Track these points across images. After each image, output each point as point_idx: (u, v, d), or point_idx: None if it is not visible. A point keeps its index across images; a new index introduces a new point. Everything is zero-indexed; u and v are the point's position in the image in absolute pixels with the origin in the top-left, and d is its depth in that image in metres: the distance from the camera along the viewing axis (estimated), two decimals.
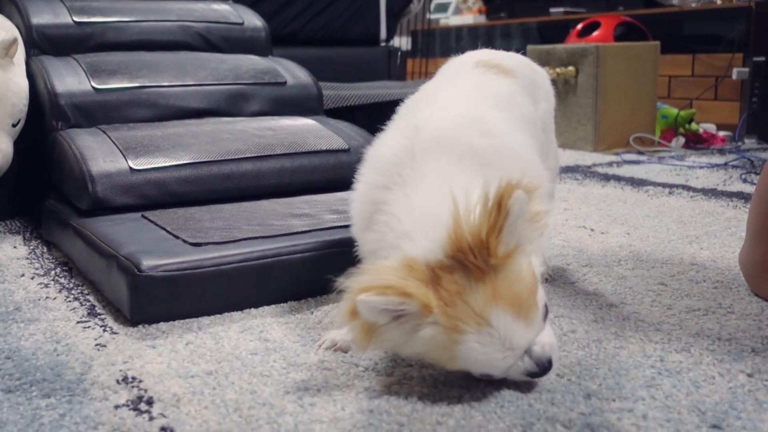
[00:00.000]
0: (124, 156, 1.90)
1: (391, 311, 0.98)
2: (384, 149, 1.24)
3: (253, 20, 2.80)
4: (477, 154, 1.16)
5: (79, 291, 1.61)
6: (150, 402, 1.09)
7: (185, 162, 1.94)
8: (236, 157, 2.01)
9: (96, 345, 1.31)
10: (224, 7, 2.81)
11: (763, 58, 3.84)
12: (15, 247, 1.96)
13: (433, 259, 1.01)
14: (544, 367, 1.05)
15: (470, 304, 0.99)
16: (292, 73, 2.55)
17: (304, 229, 1.65)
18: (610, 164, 3.41)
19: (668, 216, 2.30)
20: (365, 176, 1.25)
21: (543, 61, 3.90)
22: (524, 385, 1.12)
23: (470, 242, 0.99)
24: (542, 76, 1.61)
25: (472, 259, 0.99)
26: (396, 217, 1.12)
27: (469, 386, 1.13)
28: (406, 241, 1.06)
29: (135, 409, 1.07)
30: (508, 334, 1.00)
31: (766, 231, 1.54)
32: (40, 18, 2.37)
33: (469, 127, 1.22)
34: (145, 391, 1.13)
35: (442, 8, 6.81)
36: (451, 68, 1.49)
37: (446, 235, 1.01)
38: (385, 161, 1.20)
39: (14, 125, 2.04)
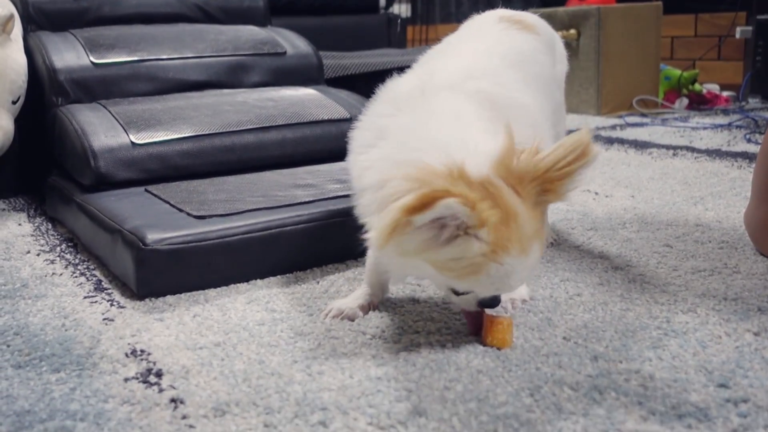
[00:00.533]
0: (125, 130, 1.90)
1: (448, 218, 0.98)
2: (395, 86, 1.27)
3: None
4: (488, 97, 1.18)
5: (85, 266, 1.62)
6: (159, 374, 1.10)
7: (187, 135, 1.93)
8: (238, 128, 2.00)
9: (104, 319, 1.32)
10: None
11: (767, 16, 3.80)
12: (20, 225, 1.97)
13: (478, 174, 1.02)
14: (497, 304, 1.13)
15: (523, 230, 1.01)
16: (292, 42, 2.53)
17: (307, 199, 1.65)
18: (613, 127, 3.39)
19: (672, 178, 2.30)
20: (371, 108, 1.26)
21: None
22: (531, 348, 1.13)
23: (536, 173, 1.02)
24: (558, 39, 1.62)
25: (529, 188, 1.02)
26: (410, 134, 1.12)
27: (477, 351, 1.13)
28: (432, 154, 1.05)
29: (144, 382, 1.08)
30: (531, 267, 1.06)
31: None
32: None
33: (483, 78, 1.24)
34: (154, 363, 1.13)
35: None
36: (474, 23, 1.50)
37: (502, 156, 1.02)
38: (394, 96, 1.23)
39: (14, 102, 2.03)
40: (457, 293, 1.11)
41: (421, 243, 1.01)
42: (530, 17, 1.51)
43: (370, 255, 1.32)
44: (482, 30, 1.44)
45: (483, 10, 1.57)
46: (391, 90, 1.27)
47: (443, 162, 1.02)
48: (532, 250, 1.04)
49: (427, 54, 1.40)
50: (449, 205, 0.95)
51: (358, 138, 1.24)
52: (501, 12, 1.50)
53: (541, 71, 1.40)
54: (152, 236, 1.42)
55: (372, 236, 1.04)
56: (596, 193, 2.13)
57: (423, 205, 0.96)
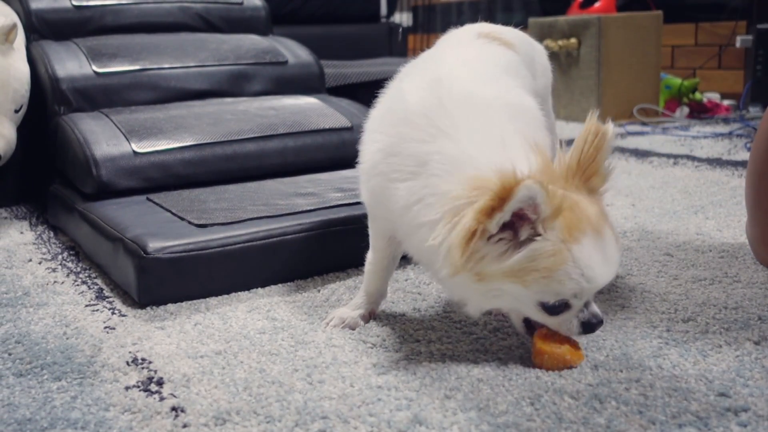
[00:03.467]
0: (127, 139, 1.90)
1: (527, 209, 0.97)
2: (402, 100, 1.19)
3: None
4: (507, 104, 1.17)
5: (86, 275, 1.62)
6: (160, 382, 1.10)
7: (188, 144, 1.94)
8: (239, 137, 2.01)
9: (105, 328, 1.32)
10: None
11: (767, 26, 3.80)
12: (22, 233, 1.97)
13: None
14: (599, 323, 1.09)
15: (588, 212, 1.02)
16: (293, 51, 2.54)
17: (309, 208, 1.66)
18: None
19: (673, 186, 2.30)
20: (387, 129, 1.18)
21: (545, 33, 3.87)
22: (530, 359, 1.13)
23: (572, 168, 1.05)
24: (540, 52, 1.60)
25: (574, 183, 1.05)
26: (458, 163, 1.06)
27: (477, 361, 1.13)
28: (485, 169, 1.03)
29: (145, 390, 1.08)
30: (612, 254, 1.04)
31: (760, 207, 1.53)
32: (39, 2, 2.36)
33: (494, 83, 1.22)
34: (155, 371, 1.14)
35: None
36: (453, 38, 1.45)
37: (543, 167, 1.04)
38: (408, 110, 1.15)
39: (17, 111, 2.04)
40: (551, 311, 1.06)
41: (498, 256, 1.00)
42: (509, 33, 1.47)
43: (369, 263, 1.32)
44: (463, 43, 1.40)
45: (484, 20, 1.57)
46: (400, 103, 1.19)
47: (495, 170, 1.01)
48: (605, 231, 1.03)
49: (408, 69, 1.33)
50: (529, 186, 0.94)
51: (391, 164, 1.14)
52: (479, 27, 1.46)
53: (525, 82, 1.39)
54: (154, 245, 1.43)
55: (445, 265, 1.01)
56: None
57: (501, 200, 0.95)
